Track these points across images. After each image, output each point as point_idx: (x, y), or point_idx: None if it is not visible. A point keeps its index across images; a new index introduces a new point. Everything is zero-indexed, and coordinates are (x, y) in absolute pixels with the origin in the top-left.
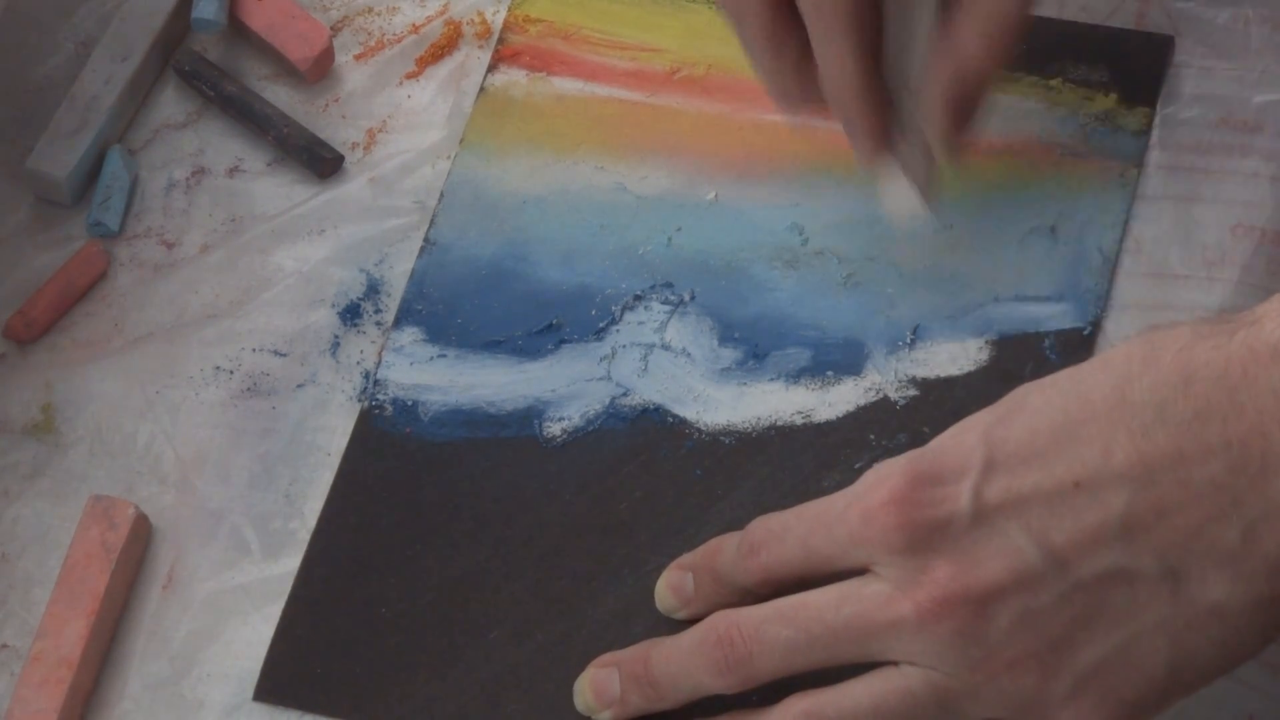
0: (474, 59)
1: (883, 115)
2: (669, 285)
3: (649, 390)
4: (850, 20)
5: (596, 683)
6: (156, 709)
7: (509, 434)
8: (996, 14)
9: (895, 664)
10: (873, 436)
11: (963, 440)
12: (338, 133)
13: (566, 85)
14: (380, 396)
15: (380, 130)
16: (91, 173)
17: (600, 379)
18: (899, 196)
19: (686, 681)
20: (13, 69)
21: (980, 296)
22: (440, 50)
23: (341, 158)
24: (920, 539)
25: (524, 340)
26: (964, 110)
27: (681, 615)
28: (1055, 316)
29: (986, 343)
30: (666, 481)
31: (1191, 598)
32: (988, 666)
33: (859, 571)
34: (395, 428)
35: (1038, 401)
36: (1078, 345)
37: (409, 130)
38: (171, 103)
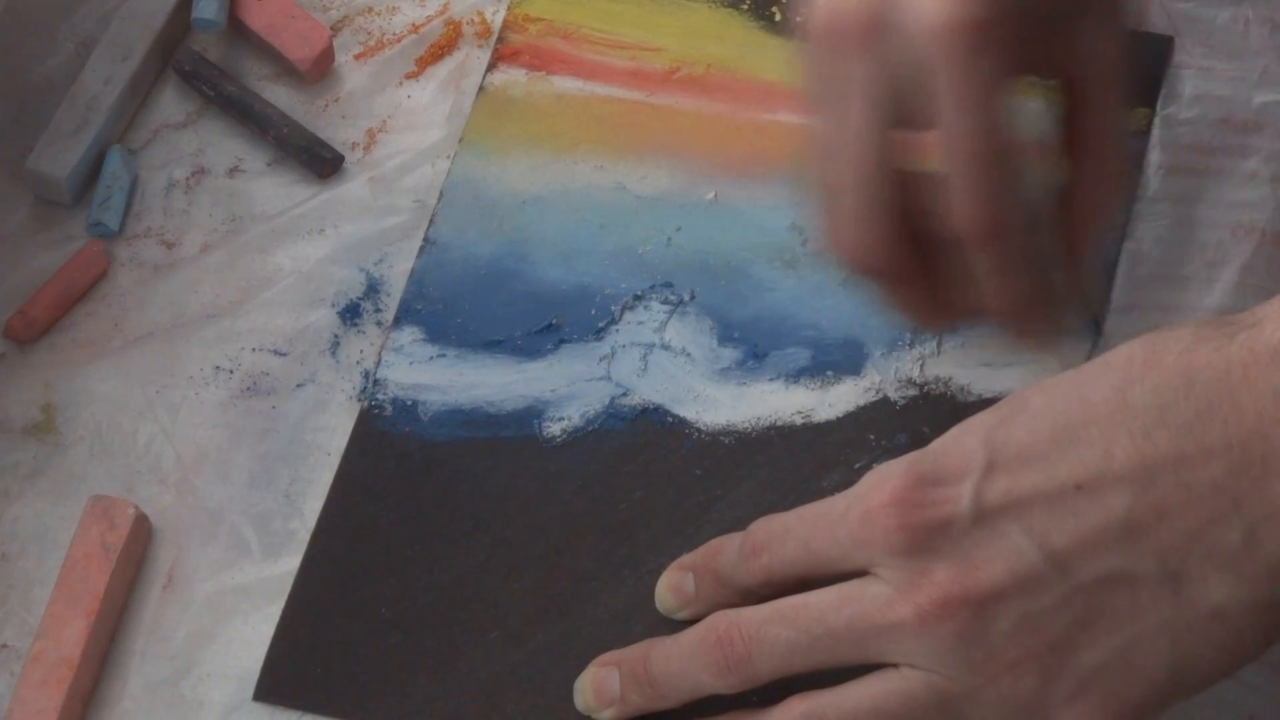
0: (474, 58)
1: (1049, 305)
2: (669, 285)
3: (649, 390)
4: (1027, 247)
5: (596, 682)
6: (156, 709)
7: (509, 434)
8: (1117, 169)
9: (895, 666)
10: (872, 436)
11: (963, 442)
12: (338, 133)
13: (566, 84)
14: (380, 396)
15: (380, 130)
16: (91, 173)
17: (600, 379)
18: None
19: (686, 681)
20: (13, 69)
21: None
22: (440, 50)
23: (341, 158)
24: (921, 541)
25: (524, 340)
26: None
27: (682, 615)
28: None
29: (985, 342)
30: (666, 481)
31: (1193, 600)
32: (988, 669)
33: (860, 573)
34: (395, 427)
35: (1039, 403)
36: (1077, 346)
37: (409, 130)
38: (171, 103)
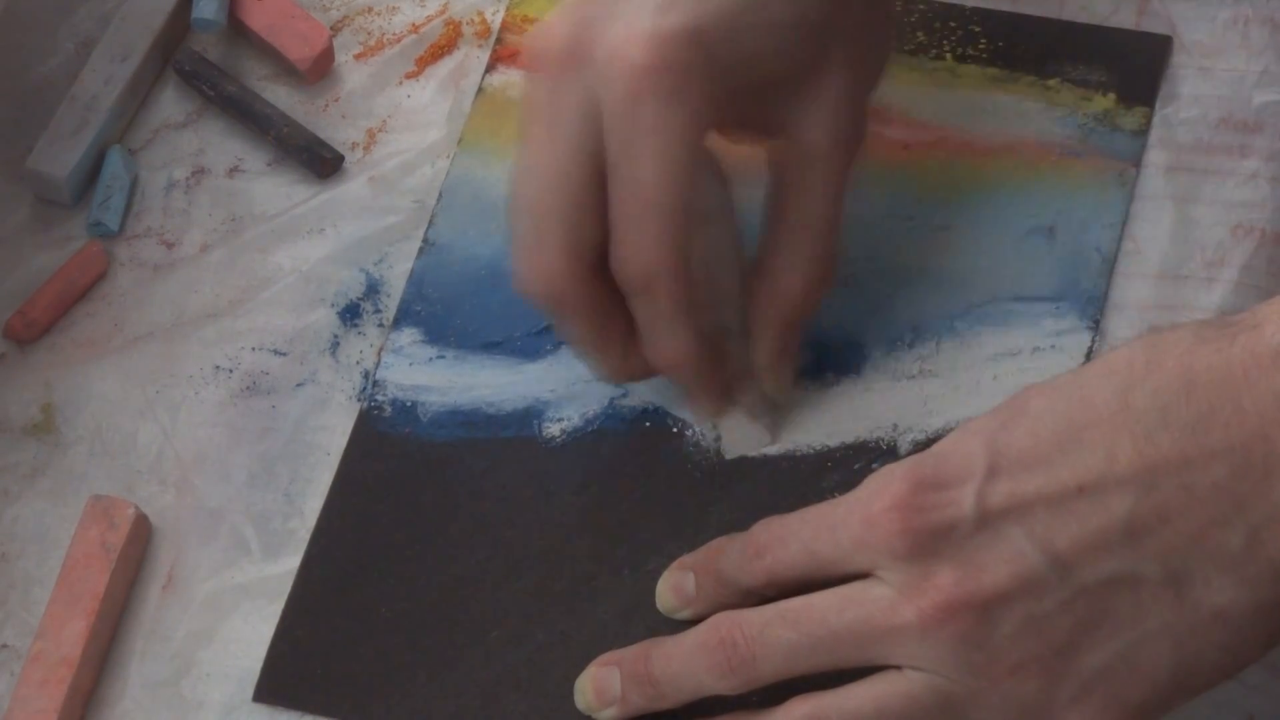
0: (473, 59)
1: (721, 371)
2: None
3: (649, 390)
4: (687, 301)
5: (597, 682)
6: (156, 709)
7: (508, 434)
8: (819, 255)
9: (898, 668)
10: (873, 438)
11: (965, 445)
12: (338, 133)
13: None
14: (379, 397)
15: (380, 130)
16: (91, 173)
17: (599, 379)
18: (743, 434)
19: (688, 682)
20: (13, 69)
21: (979, 296)
22: (440, 50)
23: (341, 157)
24: (923, 544)
25: (523, 341)
26: (791, 346)
27: (682, 616)
28: (1054, 316)
29: (985, 343)
30: (666, 481)
31: (1195, 602)
32: (991, 671)
33: (862, 575)
34: (394, 428)
35: (1040, 406)
36: (1076, 345)
37: (409, 130)
38: (171, 103)
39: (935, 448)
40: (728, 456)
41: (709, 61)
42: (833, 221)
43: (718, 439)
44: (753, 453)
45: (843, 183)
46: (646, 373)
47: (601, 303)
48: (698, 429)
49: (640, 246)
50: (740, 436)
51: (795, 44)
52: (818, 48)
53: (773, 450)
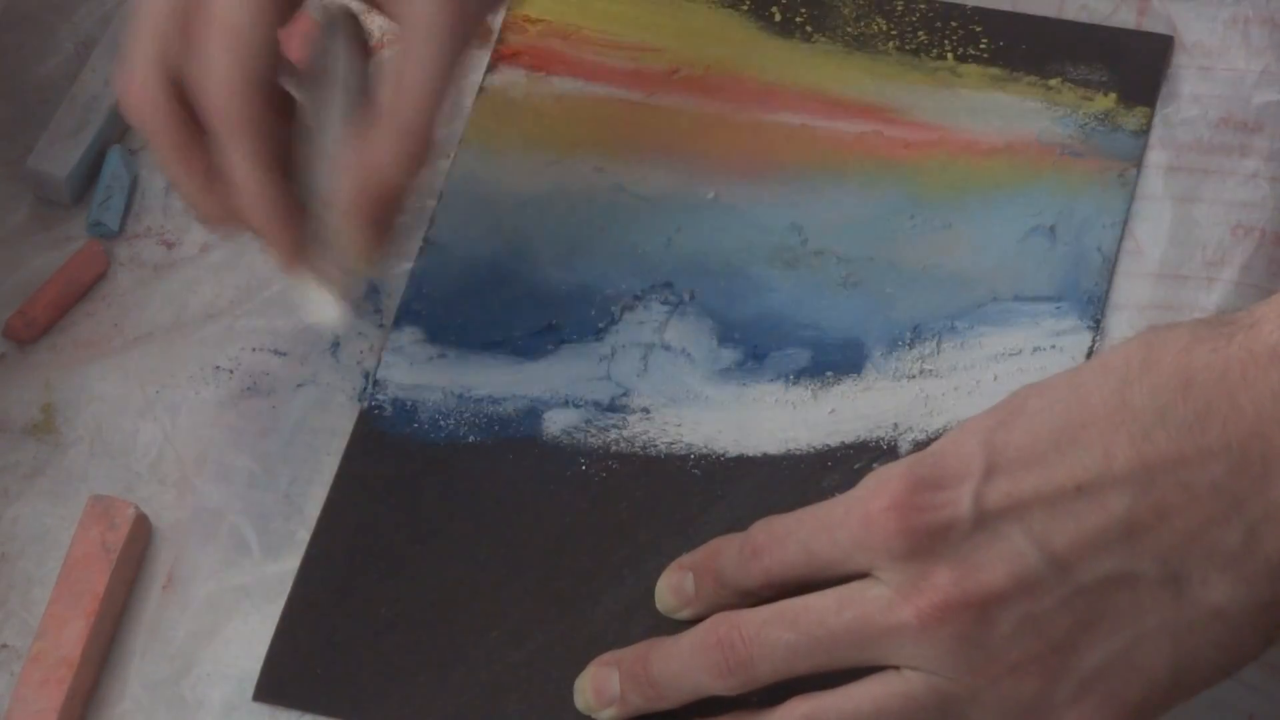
0: (474, 59)
1: (297, 228)
2: (668, 285)
3: (649, 390)
4: (252, 131)
5: (597, 682)
6: (156, 709)
7: (509, 434)
8: (410, 129)
9: (896, 668)
10: (872, 437)
11: (963, 445)
12: None
13: (566, 85)
14: (380, 397)
15: None
16: (91, 173)
17: (600, 379)
18: (319, 305)
19: (686, 682)
20: (13, 69)
21: (979, 296)
22: None
23: None
24: (921, 544)
25: (523, 340)
26: (379, 222)
27: (682, 616)
28: (1054, 316)
29: (986, 342)
30: (666, 482)
31: (1193, 600)
32: (989, 671)
33: (861, 575)
34: (395, 428)
35: (1037, 405)
36: (1076, 345)
37: None
38: None
39: (933, 447)
40: (310, 325)
41: None
42: (429, 97)
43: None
44: (325, 327)
45: (446, 61)
46: (228, 218)
47: (185, 131)
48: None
49: (218, 76)
50: (313, 306)
51: None
52: None
53: (773, 450)
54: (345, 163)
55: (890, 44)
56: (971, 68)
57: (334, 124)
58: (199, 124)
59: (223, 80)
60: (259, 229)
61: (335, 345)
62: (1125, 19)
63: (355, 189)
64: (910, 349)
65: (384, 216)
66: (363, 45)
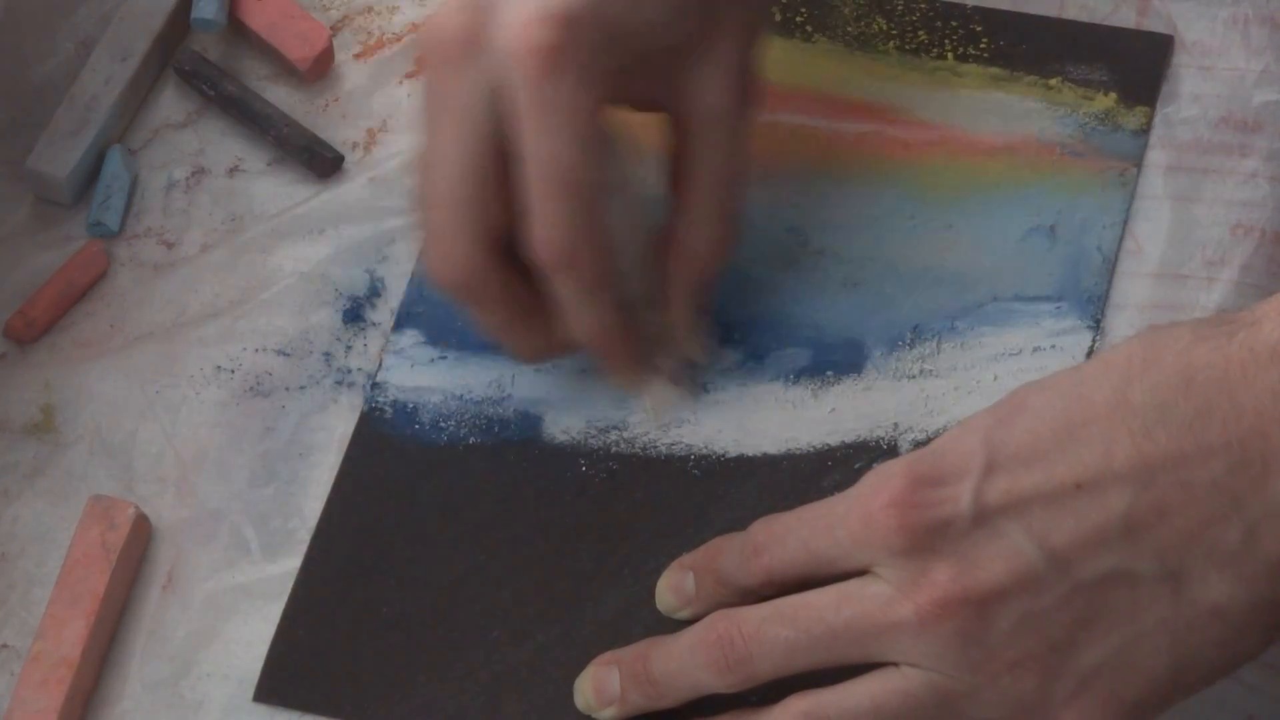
0: None
1: (638, 342)
2: None
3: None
4: (606, 276)
5: (596, 681)
6: (156, 709)
7: (509, 436)
8: (725, 215)
9: (895, 665)
10: (872, 437)
11: (963, 442)
12: (338, 132)
13: None
14: (380, 399)
15: (380, 130)
16: (91, 173)
17: (600, 380)
18: (668, 400)
19: (686, 680)
20: (13, 69)
21: (980, 296)
22: None
23: (341, 157)
24: (921, 541)
25: None
26: (705, 305)
27: (682, 615)
28: (1055, 316)
29: (986, 342)
30: (666, 482)
31: (1193, 599)
32: (988, 668)
33: (861, 573)
34: (396, 430)
35: (1038, 403)
36: (1076, 345)
37: (409, 130)
38: (171, 103)
39: (933, 444)
40: (659, 423)
41: (609, 36)
42: (738, 180)
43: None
44: (675, 417)
45: (745, 143)
46: (562, 351)
47: (512, 287)
48: (647, 419)
49: (559, 225)
50: (662, 403)
51: (688, 12)
52: (709, 13)
53: (773, 450)
54: (674, 262)
55: (890, 44)
56: (972, 67)
57: (634, 230)
58: (515, 275)
59: (572, 225)
60: (613, 353)
61: (336, 346)
62: (1125, 18)
63: (683, 283)
64: (910, 349)
65: (706, 300)
66: (622, 149)
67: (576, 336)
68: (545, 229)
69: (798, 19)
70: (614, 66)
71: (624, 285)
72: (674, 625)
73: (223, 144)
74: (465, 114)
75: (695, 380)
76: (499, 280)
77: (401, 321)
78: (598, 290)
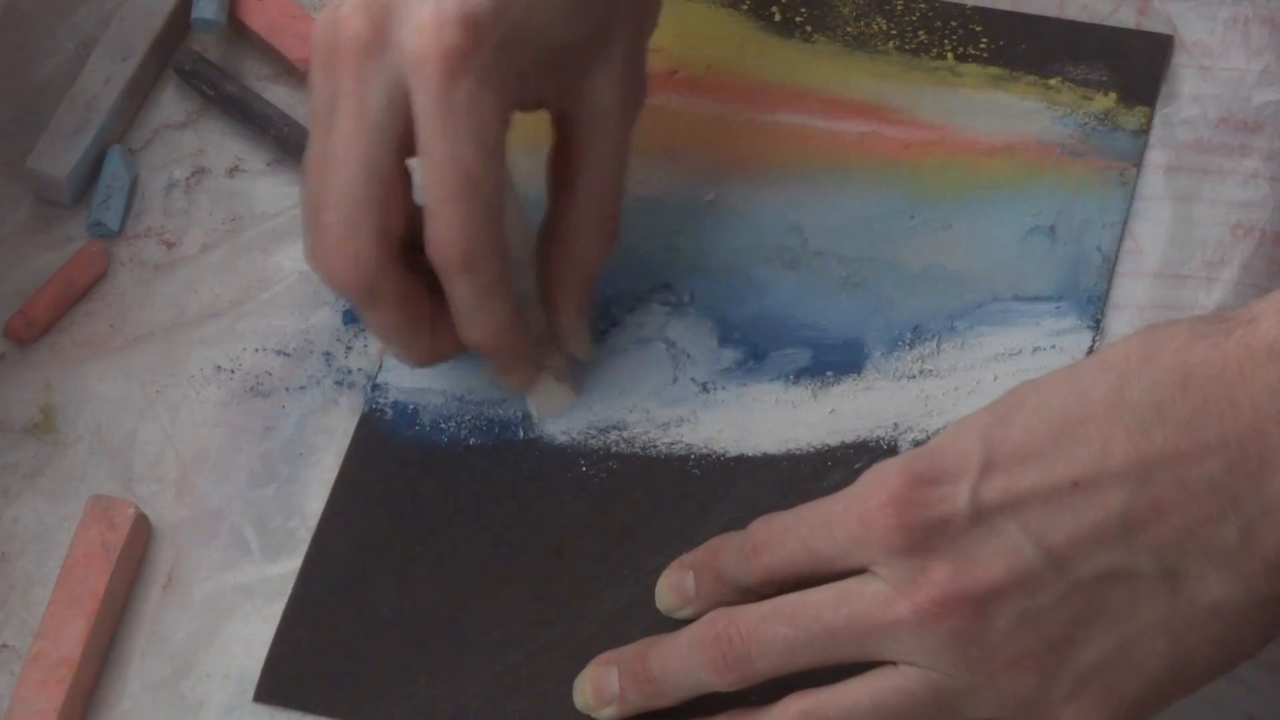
0: None
1: (529, 342)
2: (668, 286)
3: (650, 391)
4: (503, 278)
5: (596, 680)
6: (156, 709)
7: (509, 436)
8: (607, 215)
9: (894, 664)
10: (872, 436)
11: (960, 440)
12: None
13: None
14: (381, 400)
15: None
16: (91, 173)
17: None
18: (550, 398)
19: (685, 679)
20: (13, 69)
21: (980, 296)
22: None
23: None
24: (918, 540)
25: None
26: (588, 305)
27: (682, 614)
28: (1054, 316)
29: (986, 342)
30: (666, 482)
31: (1190, 597)
32: (987, 666)
33: (860, 572)
34: (396, 432)
35: (1035, 401)
36: (1076, 345)
37: None
38: (171, 103)
39: (931, 443)
40: (539, 422)
41: (510, 39)
42: (619, 182)
43: (524, 415)
44: (560, 415)
45: (627, 146)
46: (453, 353)
47: (410, 287)
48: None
49: (458, 226)
50: (549, 401)
51: (585, 11)
52: (606, 11)
53: (773, 450)
54: (551, 260)
55: (890, 43)
56: (971, 67)
57: (520, 230)
58: (412, 276)
59: (473, 227)
60: (507, 354)
61: (336, 347)
62: (1125, 18)
63: (569, 282)
64: (910, 349)
65: (589, 299)
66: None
67: (472, 338)
68: (444, 230)
69: (798, 19)
70: (516, 67)
71: (515, 285)
72: (674, 625)
73: (223, 144)
74: (365, 114)
75: (576, 380)
76: (395, 282)
77: None
78: (495, 292)
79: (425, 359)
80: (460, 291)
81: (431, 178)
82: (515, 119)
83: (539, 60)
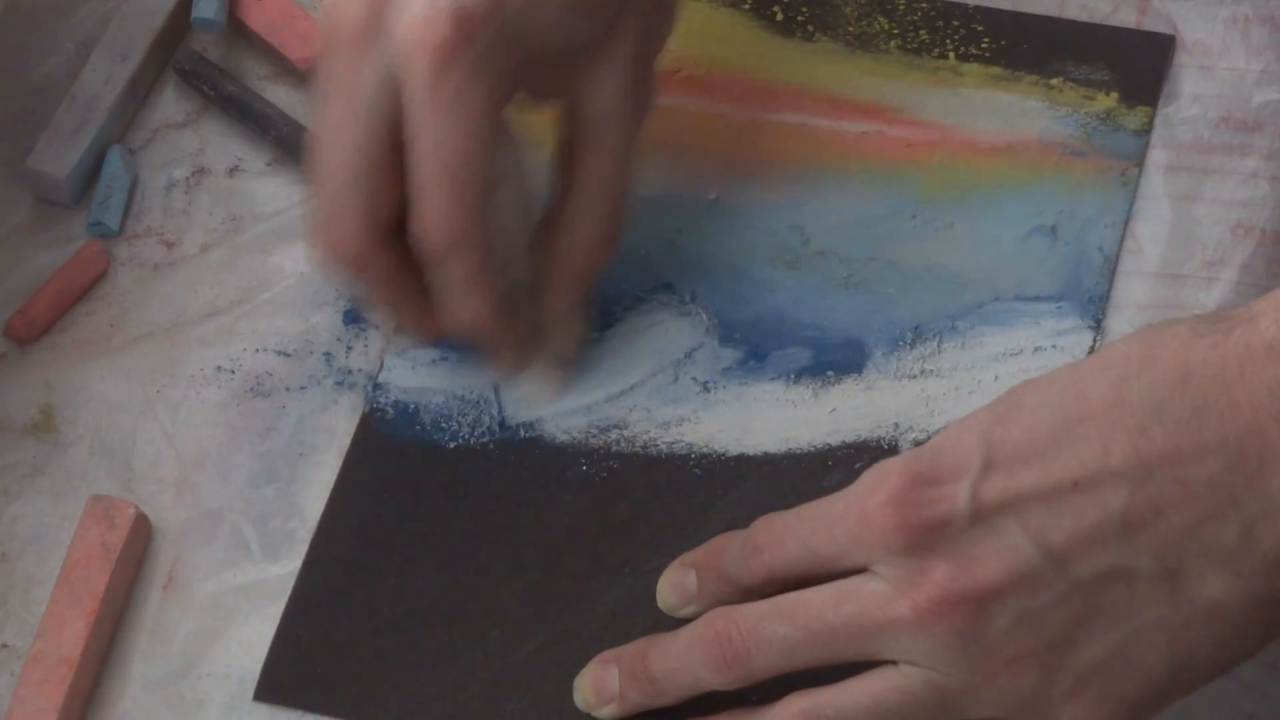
0: None
1: (515, 330)
2: (669, 285)
3: (650, 391)
4: (485, 267)
5: (595, 679)
6: (156, 709)
7: (510, 435)
8: (609, 214)
9: (894, 663)
10: (873, 436)
11: (960, 440)
12: None
13: None
14: (382, 400)
15: None
16: (91, 173)
17: (601, 380)
18: (532, 390)
19: (685, 678)
20: (13, 69)
21: (981, 296)
22: None
23: None
24: (918, 539)
25: None
26: (585, 301)
27: (683, 613)
28: (1055, 316)
29: (987, 342)
30: (667, 482)
31: (1190, 596)
32: (987, 666)
33: (860, 571)
34: (397, 431)
35: (1035, 400)
36: (1077, 345)
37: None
38: (171, 103)
39: (931, 443)
40: (516, 412)
41: (509, 34)
42: (622, 182)
43: (500, 409)
44: (541, 410)
45: (631, 146)
46: (443, 333)
47: (399, 268)
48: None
49: (442, 212)
50: (535, 390)
51: (589, 13)
52: (611, 15)
53: (774, 449)
54: (554, 254)
55: (892, 43)
56: (973, 67)
57: (523, 219)
58: (403, 257)
59: (455, 217)
60: (488, 340)
61: (337, 347)
62: (1126, 18)
63: (562, 278)
64: (911, 349)
65: (585, 297)
66: (517, 141)
67: (454, 322)
68: (429, 216)
69: (799, 19)
70: (510, 63)
71: (509, 273)
72: (674, 624)
73: (223, 144)
74: (359, 98)
75: (562, 376)
76: (385, 260)
77: None
78: (478, 279)
79: (425, 334)
80: (441, 277)
81: (418, 163)
82: (532, 113)
83: (539, 57)
